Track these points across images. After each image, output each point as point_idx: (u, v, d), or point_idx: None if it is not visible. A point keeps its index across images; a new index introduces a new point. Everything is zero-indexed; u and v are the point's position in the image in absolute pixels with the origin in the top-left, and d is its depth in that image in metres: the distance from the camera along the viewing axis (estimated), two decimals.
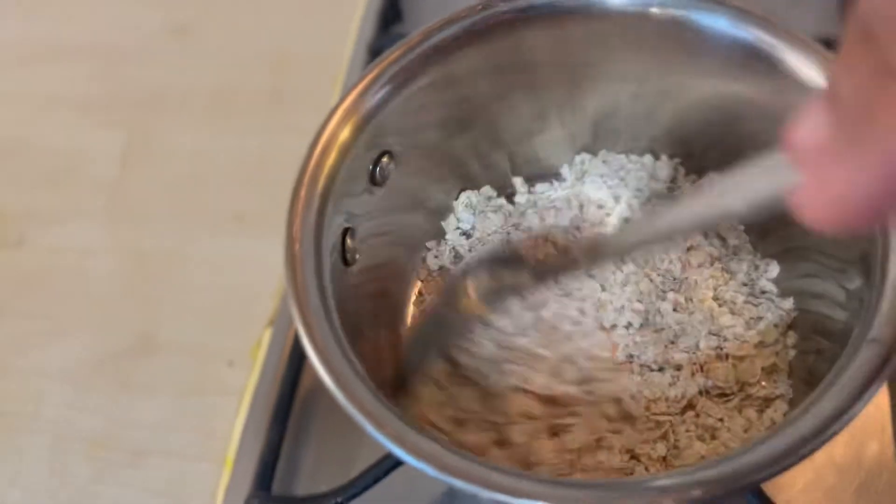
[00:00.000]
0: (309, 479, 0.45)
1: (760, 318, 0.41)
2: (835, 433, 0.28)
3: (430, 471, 0.28)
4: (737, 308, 0.41)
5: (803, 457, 0.28)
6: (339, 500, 0.40)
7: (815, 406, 0.28)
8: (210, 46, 0.66)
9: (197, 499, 0.46)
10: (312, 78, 0.63)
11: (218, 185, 0.58)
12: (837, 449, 0.42)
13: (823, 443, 0.28)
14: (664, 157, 0.46)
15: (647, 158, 0.46)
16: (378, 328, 0.39)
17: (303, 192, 0.35)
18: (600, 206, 0.45)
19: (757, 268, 0.43)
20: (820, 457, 0.42)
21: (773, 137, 0.37)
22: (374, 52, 0.58)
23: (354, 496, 0.39)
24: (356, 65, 0.59)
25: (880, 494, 0.41)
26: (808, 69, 0.35)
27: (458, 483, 0.27)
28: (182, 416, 0.49)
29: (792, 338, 0.41)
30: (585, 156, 0.47)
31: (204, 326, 0.52)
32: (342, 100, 0.36)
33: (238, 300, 0.53)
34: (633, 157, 0.46)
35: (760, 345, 0.40)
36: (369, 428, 0.29)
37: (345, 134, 0.36)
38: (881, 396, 0.43)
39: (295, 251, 0.33)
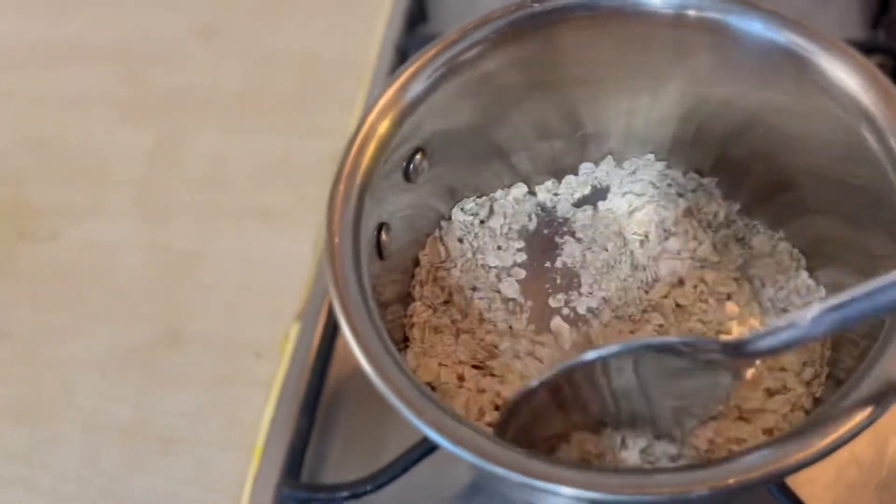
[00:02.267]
0: (336, 469, 0.45)
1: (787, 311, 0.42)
2: (860, 430, 0.28)
3: (468, 457, 0.29)
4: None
5: (828, 452, 0.28)
6: (367, 488, 0.40)
7: (842, 402, 0.28)
8: (235, 48, 0.67)
9: (225, 486, 0.47)
10: (337, 79, 0.64)
11: (243, 183, 0.59)
12: (860, 446, 0.43)
13: (849, 439, 0.28)
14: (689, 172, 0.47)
15: (674, 170, 0.47)
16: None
17: (342, 187, 0.35)
18: (635, 233, 0.46)
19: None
20: (843, 454, 0.42)
21: (809, 147, 0.38)
22: (401, 52, 0.59)
23: (383, 485, 0.40)
24: (382, 66, 0.60)
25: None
26: (841, 73, 0.35)
27: (497, 470, 0.28)
28: (210, 406, 0.50)
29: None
30: (611, 161, 0.48)
31: (230, 320, 0.53)
32: (381, 95, 0.37)
33: (263, 294, 0.54)
34: (660, 165, 0.47)
35: None
36: (410, 416, 0.30)
37: (383, 128, 0.37)
38: None
39: (335, 245, 0.34)
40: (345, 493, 0.41)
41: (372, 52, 0.63)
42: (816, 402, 0.38)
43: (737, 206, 0.46)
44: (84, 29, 0.69)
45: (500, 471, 0.28)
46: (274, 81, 0.65)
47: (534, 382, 0.34)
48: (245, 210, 0.58)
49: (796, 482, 0.41)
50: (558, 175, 0.48)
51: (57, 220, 0.58)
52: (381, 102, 0.37)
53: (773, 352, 0.31)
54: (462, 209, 0.46)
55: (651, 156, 0.48)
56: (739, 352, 0.31)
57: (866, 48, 0.53)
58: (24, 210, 0.59)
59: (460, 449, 0.29)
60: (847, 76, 0.35)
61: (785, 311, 0.42)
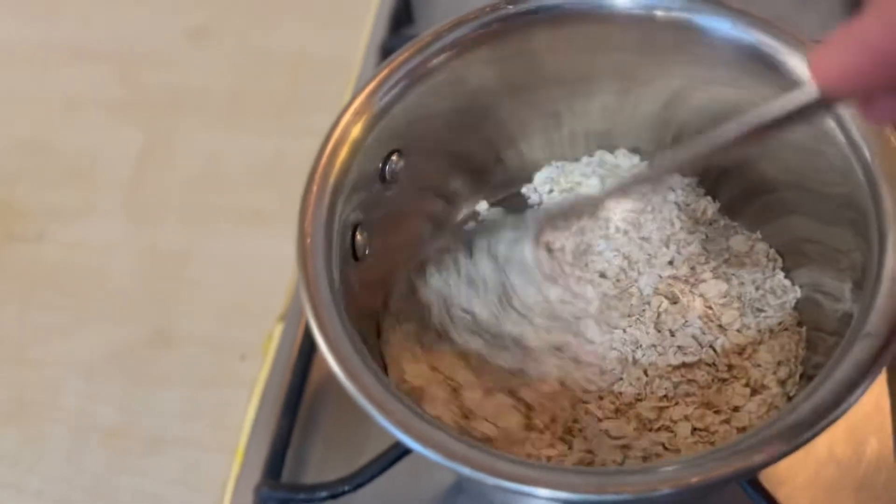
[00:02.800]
0: (318, 469, 0.46)
1: (763, 311, 0.42)
2: (828, 425, 0.28)
3: (436, 458, 0.29)
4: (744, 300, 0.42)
5: (796, 447, 0.28)
6: (346, 488, 0.41)
7: (810, 398, 0.29)
8: (226, 49, 0.67)
9: (210, 487, 0.47)
10: (327, 79, 0.64)
11: (233, 184, 0.60)
12: (838, 446, 0.43)
13: (816, 434, 0.28)
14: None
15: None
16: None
17: (314, 188, 0.36)
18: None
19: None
20: (821, 453, 0.43)
21: (783, 149, 0.38)
22: (386, 53, 0.59)
23: (361, 485, 0.40)
24: (368, 66, 0.60)
25: (879, 491, 0.41)
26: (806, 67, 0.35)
27: (464, 470, 0.28)
28: (196, 407, 0.50)
29: (796, 331, 0.42)
30: (585, 158, 0.48)
31: (218, 321, 0.54)
32: (353, 98, 0.37)
33: (251, 295, 0.54)
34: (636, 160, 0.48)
35: (768, 334, 0.41)
36: (377, 416, 0.30)
37: (356, 131, 0.37)
38: (881, 396, 0.44)
39: (306, 245, 0.34)
40: (323, 494, 0.41)
41: (358, 53, 0.63)
42: (790, 401, 0.38)
43: (717, 206, 0.46)
44: (75, 30, 0.69)
45: (466, 471, 0.28)
46: (265, 82, 0.65)
47: None
48: (235, 211, 0.58)
49: (773, 482, 0.41)
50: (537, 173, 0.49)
51: (46, 220, 0.59)
52: (355, 105, 0.37)
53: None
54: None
55: (636, 157, 0.48)
56: None
57: None
58: (13, 210, 0.59)
59: (428, 449, 0.29)
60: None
61: (761, 311, 0.42)
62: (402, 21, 0.62)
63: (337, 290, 0.34)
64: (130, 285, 0.56)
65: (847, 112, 0.33)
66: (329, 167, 0.37)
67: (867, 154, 0.33)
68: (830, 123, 0.35)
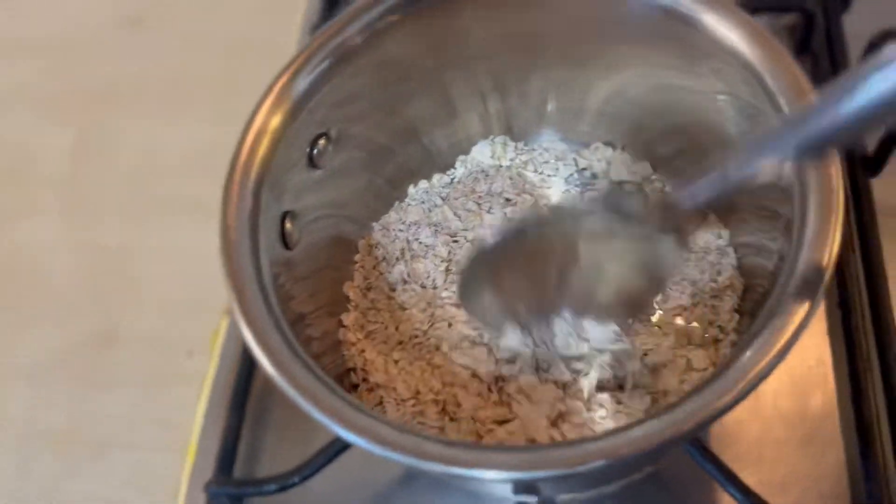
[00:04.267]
0: (271, 462, 0.45)
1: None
2: (744, 395, 0.28)
3: (363, 443, 0.29)
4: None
5: (719, 415, 0.28)
6: (295, 480, 0.40)
7: (728, 370, 0.28)
8: (162, 36, 0.65)
9: (162, 488, 0.46)
10: (266, 64, 0.61)
11: (173, 175, 0.59)
12: (783, 402, 0.43)
13: (736, 404, 0.28)
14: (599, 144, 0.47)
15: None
16: (319, 308, 0.40)
17: (236, 179, 0.35)
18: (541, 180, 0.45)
19: None
20: (766, 410, 0.43)
21: (710, 111, 0.38)
22: None
23: (309, 476, 0.40)
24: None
25: (824, 445, 0.42)
26: (725, 29, 0.35)
27: (394, 455, 0.28)
28: (144, 407, 0.50)
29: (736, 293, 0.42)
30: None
31: (163, 317, 0.53)
32: (272, 85, 0.37)
33: (196, 290, 0.53)
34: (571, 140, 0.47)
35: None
36: (304, 404, 0.30)
37: (276, 120, 0.36)
38: (823, 350, 0.44)
39: (231, 239, 0.34)
40: (273, 487, 0.40)
41: (293, 37, 0.62)
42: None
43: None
44: (5, 22, 0.67)
45: (396, 456, 0.28)
46: (202, 69, 0.63)
47: (489, 238, 0.35)
48: (176, 203, 0.57)
49: (722, 443, 0.41)
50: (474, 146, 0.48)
51: None
52: (272, 94, 0.37)
53: (709, 202, 0.31)
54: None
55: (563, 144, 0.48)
56: (675, 208, 0.31)
57: (781, 7, 0.53)
58: None
59: (351, 434, 0.29)
60: (731, 33, 0.35)
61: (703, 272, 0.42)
62: (336, 2, 0.61)
63: (266, 282, 0.33)
64: (71, 285, 0.55)
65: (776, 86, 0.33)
66: (251, 158, 0.36)
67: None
68: (751, 84, 0.34)
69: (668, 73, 0.39)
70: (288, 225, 0.38)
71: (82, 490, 0.47)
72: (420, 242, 0.45)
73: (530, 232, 0.36)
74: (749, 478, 0.37)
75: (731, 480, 0.37)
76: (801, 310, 0.29)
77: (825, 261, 0.30)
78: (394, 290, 0.44)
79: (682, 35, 0.37)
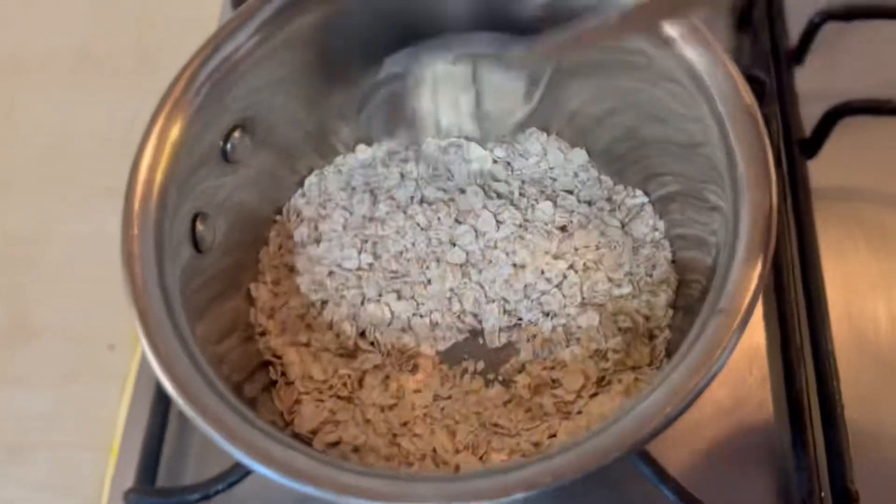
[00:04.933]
0: (198, 463, 0.44)
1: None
2: (688, 405, 0.28)
3: (281, 479, 0.27)
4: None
5: (659, 431, 0.27)
6: (219, 487, 0.38)
7: (667, 381, 0.28)
8: (72, 6, 0.61)
9: (83, 489, 0.45)
10: (183, 36, 0.57)
11: (86, 156, 0.55)
12: (717, 389, 0.42)
13: (679, 415, 0.28)
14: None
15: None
16: (227, 302, 0.38)
17: (140, 176, 0.32)
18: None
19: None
20: (701, 399, 0.42)
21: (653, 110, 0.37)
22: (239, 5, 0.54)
23: (234, 483, 0.38)
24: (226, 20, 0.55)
25: (756, 433, 0.42)
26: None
27: (311, 490, 0.27)
28: (63, 404, 0.47)
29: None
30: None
31: (81, 309, 0.50)
32: (174, 84, 0.34)
33: (115, 279, 0.50)
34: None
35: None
36: (216, 437, 0.28)
37: (179, 122, 0.34)
38: (759, 336, 0.44)
39: (132, 246, 0.31)
40: (196, 496, 0.39)
41: (216, 5, 0.58)
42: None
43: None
44: None
45: (312, 490, 0.27)
46: (115, 41, 0.60)
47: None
48: (89, 187, 0.54)
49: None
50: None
51: None
52: (180, 85, 0.34)
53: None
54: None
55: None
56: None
57: None
58: None
59: (268, 468, 0.27)
60: (669, 28, 0.33)
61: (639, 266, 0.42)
62: None
63: (168, 288, 0.31)
64: None
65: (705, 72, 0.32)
66: (158, 151, 0.33)
67: (723, 114, 0.32)
68: (690, 85, 0.33)
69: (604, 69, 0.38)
70: (200, 227, 0.35)
71: None
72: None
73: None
74: (681, 469, 0.37)
75: (665, 480, 0.36)
76: (737, 319, 0.28)
77: (760, 267, 0.30)
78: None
79: None
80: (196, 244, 0.35)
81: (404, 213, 0.43)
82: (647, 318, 0.40)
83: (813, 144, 0.46)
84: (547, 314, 0.41)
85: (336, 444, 0.37)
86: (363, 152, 0.46)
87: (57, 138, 0.56)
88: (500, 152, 0.45)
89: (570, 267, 0.42)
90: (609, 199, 0.44)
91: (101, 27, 0.60)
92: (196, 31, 0.59)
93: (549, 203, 0.43)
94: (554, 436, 0.36)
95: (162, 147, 0.33)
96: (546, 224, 0.43)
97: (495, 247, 0.43)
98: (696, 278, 0.38)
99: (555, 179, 0.45)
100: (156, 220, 0.32)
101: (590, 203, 0.44)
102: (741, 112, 0.31)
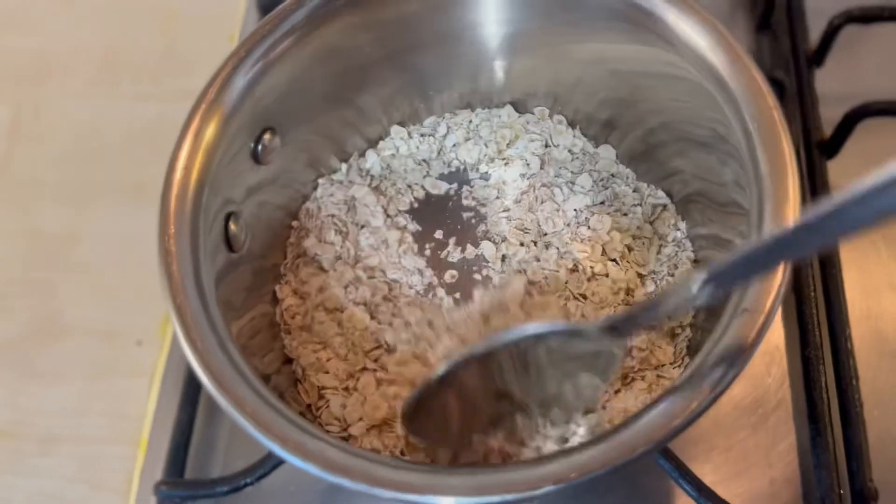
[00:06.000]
0: (225, 457, 0.45)
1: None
2: (712, 401, 0.28)
3: (315, 470, 0.28)
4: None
5: (683, 427, 0.28)
6: (247, 480, 0.39)
7: (692, 378, 0.28)
8: (96, 7, 0.62)
9: (113, 482, 0.46)
10: (207, 36, 0.60)
11: (113, 155, 0.56)
12: (737, 388, 0.43)
13: (703, 411, 0.28)
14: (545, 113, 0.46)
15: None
16: (256, 301, 0.39)
17: (175, 180, 0.33)
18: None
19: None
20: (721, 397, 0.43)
21: (672, 109, 0.37)
22: (263, 8, 0.55)
23: (263, 476, 0.39)
24: (250, 22, 0.57)
25: (776, 432, 0.42)
26: (687, 28, 0.34)
27: (341, 480, 0.27)
28: (92, 399, 0.48)
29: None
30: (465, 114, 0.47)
31: (109, 305, 0.51)
32: (209, 87, 0.35)
33: (143, 276, 0.50)
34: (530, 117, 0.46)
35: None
36: (234, 414, 0.29)
37: (214, 124, 0.35)
38: (778, 336, 0.44)
39: (169, 244, 0.32)
40: (224, 488, 0.40)
41: (240, 6, 0.59)
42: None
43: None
44: None
45: (345, 482, 0.27)
46: (140, 42, 0.60)
47: (432, 376, 0.33)
48: (116, 186, 0.55)
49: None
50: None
51: None
52: (209, 96, 0.35)
53: (651, 325, 0.30)
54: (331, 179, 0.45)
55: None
56: (620, 333, 0.31)
57: None
58: None
59: (300, 459, 0.28)
60: (693, 32, 0.34)
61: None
62: None
63: (204, 286, 0.32)
64: (12, 274, 0.52)
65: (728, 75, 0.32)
66: (193, 152, 0.34)
67: (746, 116, 0.32)
68: (710, 85, 0.33)
69: (625, 64, 0.38)
70: (232, 226, 0.36)
71: (28, 486, 0.46)
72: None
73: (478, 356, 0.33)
74: (700, 466, 0.38)
75: (684, 475, 0.37)
76: (761, 319, 0.29)
77: (784, 267, 0.30)
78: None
79: (644, 33, 0.35)
80: (229, 243, 0.36)
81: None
82: (668, 318, 0.40)
83: (833, 145, 0.47)
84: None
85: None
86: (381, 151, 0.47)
87: (84, 138, 0.57)
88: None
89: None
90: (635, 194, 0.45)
91: (125, 28, 0.61)
92: (220, 33, 0.60)
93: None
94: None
95: (197, 147, 0.34)
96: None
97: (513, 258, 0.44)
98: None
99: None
100: (191, 219, 0.33)
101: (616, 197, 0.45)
102: (764, 114, 0.32)
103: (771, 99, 0.32)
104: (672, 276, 0.41)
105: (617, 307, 0.41)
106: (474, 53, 0.42)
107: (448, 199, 0.46)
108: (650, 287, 0.42)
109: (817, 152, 0.47)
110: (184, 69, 0.59)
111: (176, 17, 0.61)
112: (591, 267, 0.42)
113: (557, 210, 0.43)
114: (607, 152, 0.45)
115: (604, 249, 0.42)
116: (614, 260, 0.42)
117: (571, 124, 0.46)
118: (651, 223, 0.43)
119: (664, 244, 0.42)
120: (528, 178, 0.44)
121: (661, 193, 0.43)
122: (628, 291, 0.41)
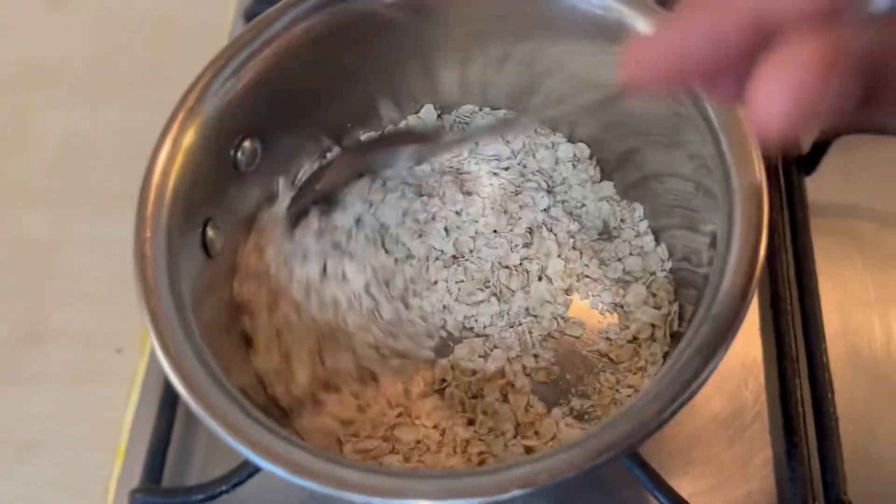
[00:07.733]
0: (203, 466, 0.44)
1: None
2: (681, 405, 0.28)
3: (282, 473, 0.28)
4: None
5: (650, 433, 0.28)
6: (223, 488, 0.39)
7: (661, 384, 0.28)
8: (86, 15, 0.62)
9: (92, 489, 0.45)
10: (196, 46, 0.60)
11: (99, 164, 0.56)
12: (714, 401, 0.43)
13: (672, 416, 0.28)
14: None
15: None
16: (229, 307, 0.39)
17: (152, 187, 0.33)
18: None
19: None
20: (697, 409, 0.43)
21: (645, 117, 0.38)
22: (249, 18, 0.56)
23: (239, 484, 0.39)
24: (237, 33, 0.56)
25: (753, 445, 0.42)
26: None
27: (309, 483, 0.27)
28: (72, 406, 0.48)
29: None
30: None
31: (91, 313, 0.51)
32: (188, 93, 0.35)
33: (125, 284, 0.50)
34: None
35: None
36: (205, 418, 0.29)
37: (192, 131, 0.35)
38: (755, 349, 0.45)
39: (145, 250, 0.32)
40: (200, 496, 0.40)
41: (228, 17, 0.60)
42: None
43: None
44: None
45: (312, 485, 0.27)
46: (130, 51, 0.61)
47: None
48: (101, 194, 0.55)
49: (651, 443, 0.42)
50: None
51: None
52: (194, 94, 0.35)
53: None
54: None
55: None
56: None
57: None
58: None
59: (268, 462, 0.28)
60: None
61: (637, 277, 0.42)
62: None
63: (181, 292, 0.32)
64: None
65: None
66: (170, 161, 0.34)
67: (717, 128, 0.32)
68: (686, 101, 0.34)
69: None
70: (210, 232, 0.36)
71: (6, 491, 0.46)
72: None
73: None
74: (678, 479, 0.38)
75: (659, 486, 0.37)
76: (728, 324, 0.29)
77: (751, 275, 0.30)
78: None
79: (615, 42, 0.36)
80: (206, 249, 0.36)
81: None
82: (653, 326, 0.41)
83: (810, 161, 0.47)
84: None
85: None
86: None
87: (71, 145, 0.57)
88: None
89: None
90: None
91: (115, 38, 0.61)
92: (208, 42, 0.60)
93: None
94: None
95: (175, 153, 0.34)
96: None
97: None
98: (692, 286, 0.39)
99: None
100: (168, 224, 0.33)
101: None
102: (735, 126, 0.32)
103: (742, 110, 0.32)
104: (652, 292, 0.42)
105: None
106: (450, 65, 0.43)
107: None
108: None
109: (795, 168, 0.47)
110: (172, 79, 0.58)
111: (166, 28, 0.61)
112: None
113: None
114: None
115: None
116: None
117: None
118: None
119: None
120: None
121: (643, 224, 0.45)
122: None
